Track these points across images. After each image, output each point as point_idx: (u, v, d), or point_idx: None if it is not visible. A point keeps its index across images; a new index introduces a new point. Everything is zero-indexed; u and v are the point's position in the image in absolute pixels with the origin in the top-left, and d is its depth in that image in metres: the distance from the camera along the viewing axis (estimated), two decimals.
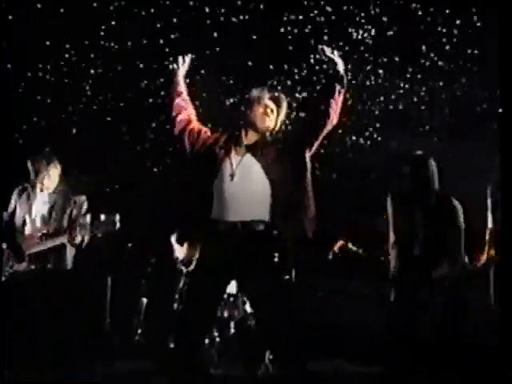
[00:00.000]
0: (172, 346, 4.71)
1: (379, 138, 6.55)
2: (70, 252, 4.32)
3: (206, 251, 3.28)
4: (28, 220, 4.30)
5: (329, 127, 3.23)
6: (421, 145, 6.34)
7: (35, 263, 4.20)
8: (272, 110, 3.29)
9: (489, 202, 4.34)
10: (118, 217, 4.00)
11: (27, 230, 4.30)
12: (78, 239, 4.14)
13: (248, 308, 4.96)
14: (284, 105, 3.33)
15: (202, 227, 3.22)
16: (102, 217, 4.01)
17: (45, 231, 4.24)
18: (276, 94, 3.31)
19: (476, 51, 6.01)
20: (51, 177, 4.33)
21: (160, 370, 4.54)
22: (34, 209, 4.32)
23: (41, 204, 4.33)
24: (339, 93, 3.20)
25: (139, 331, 5.38)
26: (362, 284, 5.87)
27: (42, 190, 4.33)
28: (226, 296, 4.93)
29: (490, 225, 4.16)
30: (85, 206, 4.37)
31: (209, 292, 3.19)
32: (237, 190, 3.15)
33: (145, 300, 5.50)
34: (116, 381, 4.66)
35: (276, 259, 3.18)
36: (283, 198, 3.13)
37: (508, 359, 2.98)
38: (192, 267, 4.99)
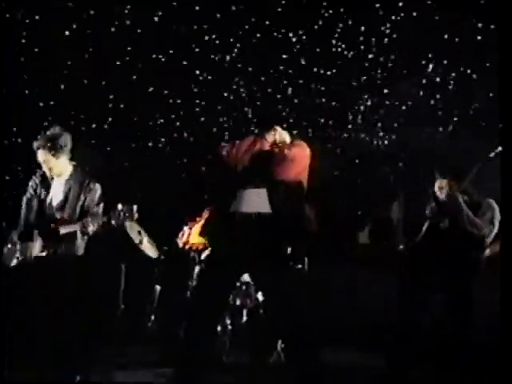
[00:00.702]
0: (183, 333, 4.80)
1: (384, 131, 6.58)
2: (82, 239, 4.34)
3: (221, 241, 3.34)
4: (44, 205, 4.32)
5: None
6: (426, 138, 6.40)
7: (48, 249, 4.22)
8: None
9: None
10: (135, 207, 4.00)
11: (45, 214, 4.31)
12: (90, 229, 4.15)
13: (260, 296, 4.99)
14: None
15: (221, 219, 3.32)
16: (119, 206, 4.01)
17: (58, 217, 4.26)
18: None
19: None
20: (56, 155, 4.29)
21: (172, 357, 4.60)
22: (51, 194, 4.34)
23: (57, 190, 4.35)
24: None
25: (152, 318, 5.43)
26: (373, 273, 5.88)
27: (52, 173, 4.33)
28: (238, 284, 4.96)
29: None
30: (98, 193, 4.36)
31: (222, 280, 3.26)
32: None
33: (158, 287, 5.55)
34: (129, 366, 4.71)
35: (288, 249, 3.25)
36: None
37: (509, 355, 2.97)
38: (204, 255, 5.04)
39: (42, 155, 4.27)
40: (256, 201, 3.26)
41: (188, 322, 3.52)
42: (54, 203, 4.31)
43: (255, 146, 3.37)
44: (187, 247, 5.43)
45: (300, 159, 3.37)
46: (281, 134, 3.46)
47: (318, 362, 3.23)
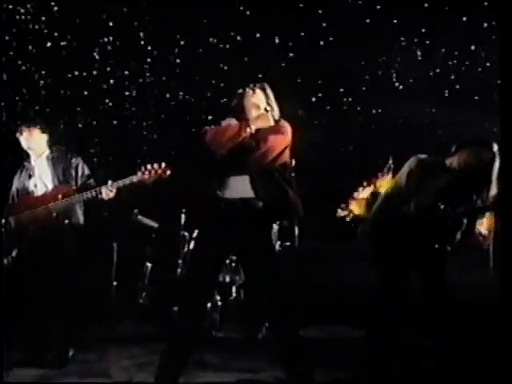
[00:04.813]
0: (176, 309, 4.90)
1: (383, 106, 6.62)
2: (80, 209, 4.41)
3: (208, 224, 3.43)
4: (32, 185, 4.38)
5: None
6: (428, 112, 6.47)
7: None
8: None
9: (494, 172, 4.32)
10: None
11: (38, 192, 4.38)
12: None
13: None
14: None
15: (208, 203, 3.40)
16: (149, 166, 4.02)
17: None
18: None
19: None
20: (33, 136, 4.38)
21: (162, 332, 4.70)
22: (37, 175, 4.40)
23: (44, 170, 4.41)
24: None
25: (144, 295, 5.53)
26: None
27: (36, 154, 4.41)
28: (228, 261, 5.06)
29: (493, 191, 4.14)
30: (86, 168, 4.44)
31: (211, 260, 3.37)
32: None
33: (149, 265, 5.65)
34: (121, 343, 4.80)
35: (271, 230, 3.34)
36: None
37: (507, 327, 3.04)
38: (195, 234, 5.12)
39: (26, 136, 4.37)
40: (239, 187, 3.33)
41: (180, 300, 3.62)
42: (45, 182, 4.38)
43: (239, 135, 3.36)
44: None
45: (278, 145, 3.39)
46: (265, 119, 3.42)
47: (300, 339, 3.34)
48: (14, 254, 4.29)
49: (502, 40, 3.41)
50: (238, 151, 3.35)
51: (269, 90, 3.54)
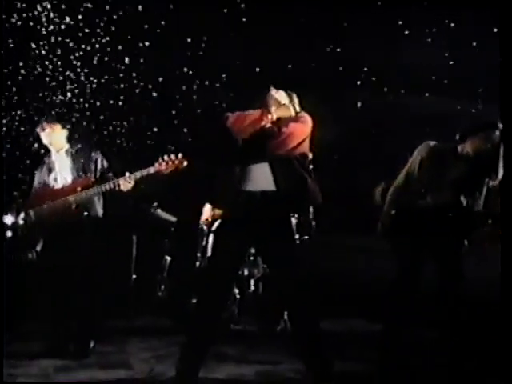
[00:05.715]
0: (194, 301, 4.93)
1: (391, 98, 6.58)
2: (98, 202, 4.42)
3: (230, 216, 3.47)
4: (52, 180, 4.43)
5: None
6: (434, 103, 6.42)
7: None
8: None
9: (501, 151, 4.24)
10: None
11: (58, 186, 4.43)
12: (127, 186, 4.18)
13: None
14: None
15: (230, 195, 3.44)
16: (166, 156, 4.02)
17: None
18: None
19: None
20: (55, 132, 4.41)
21: (181, 325, 4.75)
22: (57, 169, 4.45)
23: (63, 164, 4.45)
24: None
25: (162, 287, 5.57)
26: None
27: (56, 148, 4.45)
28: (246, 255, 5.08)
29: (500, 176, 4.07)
30: (105, 162, 4.45)
31: (231, 253, 3.39)
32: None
33: (168, 258, 5.68)
34: (139, 335, 4.85)
35: (291, 222, 3.36)
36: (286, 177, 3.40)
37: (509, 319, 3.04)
38: (214, 228, 5.14)
39: (49, 132, 4.41)
40: (260, 177, 3.37)
41: (200, 293, 3.65)
42: (65, 176, 4.42)
43: (261, 121, 3.40)
44: (207, 222, 5.48)
45: (299, 134, 3.44)
46: (286, 109, 3.49)
47: (318, 331, 3.36)
48: (38, 248, 4.33)
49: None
50: (258, 136, 3.40)
51: (294, 96, 3.62)
